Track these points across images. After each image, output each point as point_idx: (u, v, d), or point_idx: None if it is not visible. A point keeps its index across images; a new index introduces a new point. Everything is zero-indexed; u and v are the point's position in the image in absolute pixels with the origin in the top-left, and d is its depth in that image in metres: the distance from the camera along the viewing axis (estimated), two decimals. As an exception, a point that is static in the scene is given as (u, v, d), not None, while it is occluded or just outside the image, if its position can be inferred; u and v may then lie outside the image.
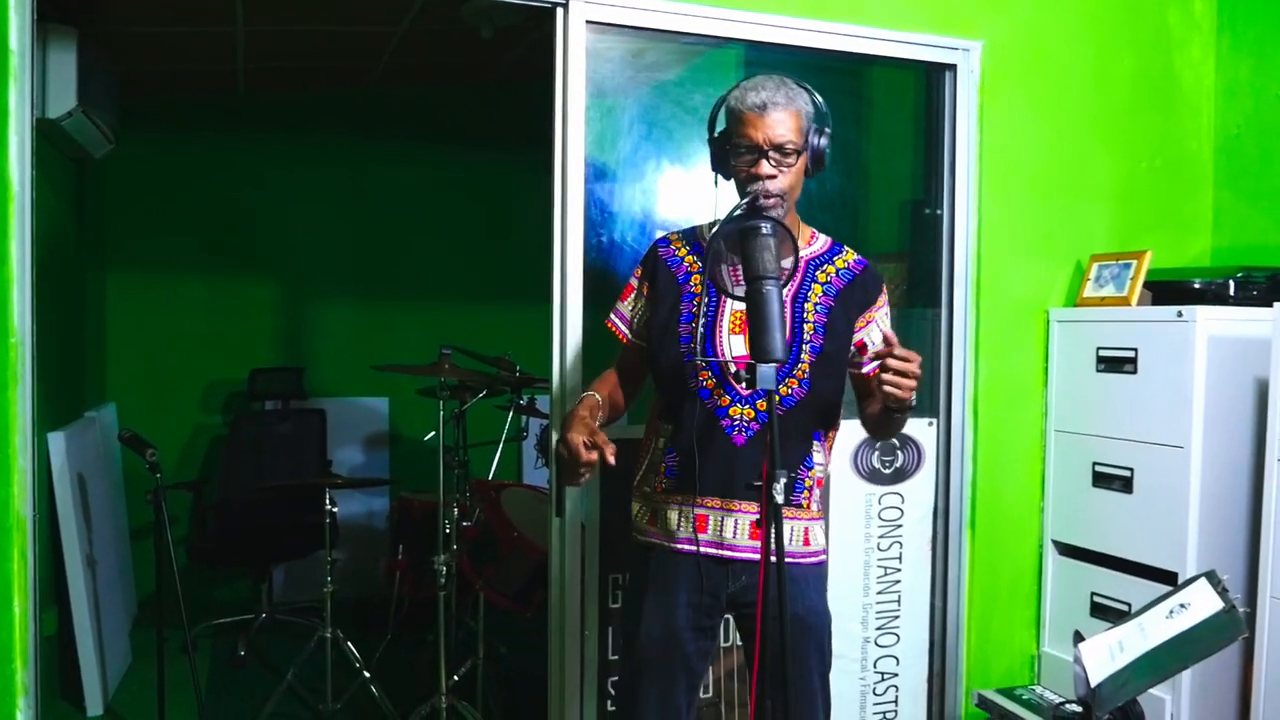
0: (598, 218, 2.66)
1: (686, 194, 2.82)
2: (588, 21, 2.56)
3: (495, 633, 3.77)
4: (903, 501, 2.98)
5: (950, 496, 3.01)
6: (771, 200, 1.89)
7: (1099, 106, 3.13)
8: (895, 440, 2.96)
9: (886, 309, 2.12)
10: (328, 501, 3.67)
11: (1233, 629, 1.92)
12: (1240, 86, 3.21)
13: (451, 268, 5.45)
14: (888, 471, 2.96)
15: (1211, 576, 2.15)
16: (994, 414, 3.04)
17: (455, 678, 3.40)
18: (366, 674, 3.64)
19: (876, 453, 2.95)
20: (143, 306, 5.02)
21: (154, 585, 3.38)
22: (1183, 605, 2.12)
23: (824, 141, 1.95)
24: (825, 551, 2.13)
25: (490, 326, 5.04)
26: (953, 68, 2.97)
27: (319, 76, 5.09)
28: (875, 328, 2.07)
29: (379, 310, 5.38)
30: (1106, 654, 2.15)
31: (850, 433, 2.90)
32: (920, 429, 3.00)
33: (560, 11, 2.55)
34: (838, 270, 2.06)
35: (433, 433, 3.41)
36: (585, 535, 2.60)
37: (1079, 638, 2.31)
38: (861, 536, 2.93)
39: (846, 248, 2.11)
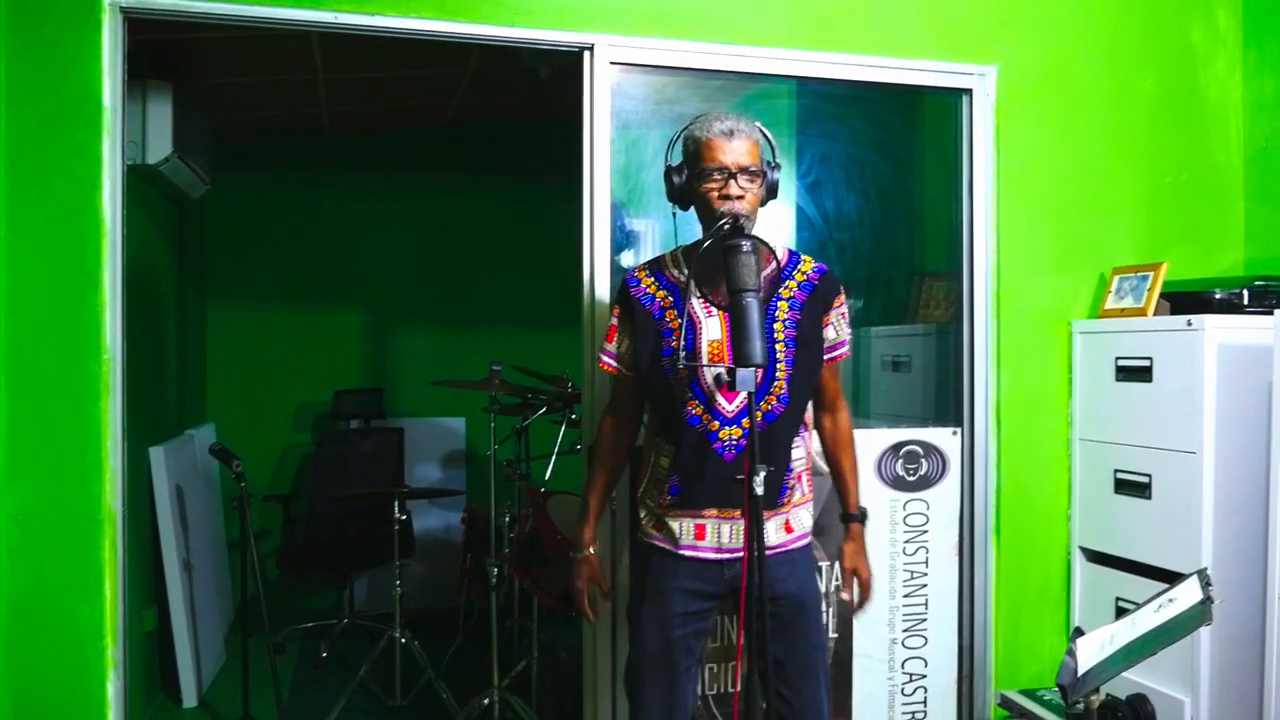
0: (624, 242, 2.88)
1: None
2: (612, 62, 2.79)
3: (556, 637, 4.00)
4: (928, 508, 3.10)
5: (975, 503, 3.12)
6: (740, 220, 2.07)
7: (1119, 124, 3.22)
8: (919, 449, 3.09)
9: (843, 308, 2.30)
10: (396, 510, 3.96)
11: (1201, 618, 2.01)
12: (1267, 100, 3.26)
13: (521, 294, 5.74)
14: (912, 479, 3.09)
15: (1202, 575, 2.23)
16: (1017, 423, 3.14)
17: (512, 674, 3.63)
18: (432, 672, 3.90)
19: (900, 460, 3.08)
20: (239, 334, 5.44)
21: (249, 592, 3.72)
22: (1171, 600, 2.21)
23: (776, 175, 2.16)
24: (809, 531, 2.33)
25: (554, 348, 5.26)
26: (969, 92, 3.11)
27: (397, 118, 5.46)
28: (832, 328, 2.27)
29: (453, 334, 5.70)
30: (1098, 646, 2.25)
31: (874, 440, 3.05)
32: (944, 438, 3.12)
33: (587, 54, 2.79)
34: (799, 284, 2.23)
35: (491, 448, 3.67)
36: (617, 533, 2.80)
37: (1079, 633, 2.41)
38: (886, 541, 3.05)
39: (804, 256, 2.29)
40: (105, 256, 2.45)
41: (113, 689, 2.46)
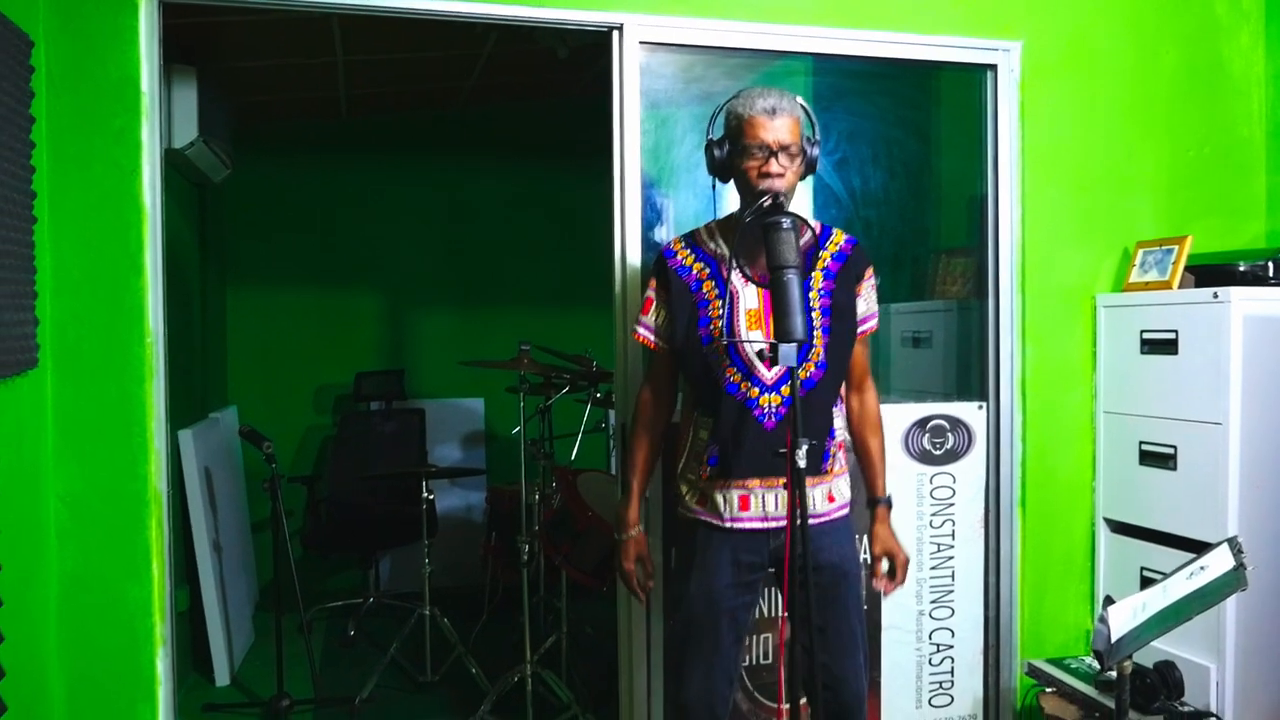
0: (654, 220, 2.91)
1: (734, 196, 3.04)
2: (641, 42, 2.81)
3: (581, 614, 4.05)
4: (954, 481, 3.13)
5: (1001, 476, 3.15)
6: (780, 198, 2.11)
7: (1143, 98, 3.24)
8: (945, 423, 3.13)
9: (872, 281, 2.35)
10: (424, 490, 4.01)
11: (1236, 584, 2.06)
12: (1290, 73, 3.28)
13: (539, 274, 5.78)
14: (938, 453, 3.12)
15: (1233, 542, 2.27)
16: (1043, 397, 3.17)
17: (542, 650, 3.69)
18: (462, 648, 3.95)
19: (927, 435, 3.11)
20: (259, 317, 5.47)
21: (274, 570, 3.76)
22: (1202, 567, 2.25)
23: (815, 151, 2.20)
24: (850, 501, 2.37)
25: (575, 328, 5.32)
26: (993, 67, 3.12)
27: (413, 100, 5.47)
28: (862, 299, 2.32)
29: (473, 316, 5.73)
30: (1130, 613, 2.29)
31: (901, 415, 3.08)
32: (970, 412, 3.15)
33: (616, 34, 2.81)
34: (831, 255, 2.29)
35: (518, 427, 3.70)
36: (648, 509, 2.84)
37: (1109, 601, 2.45)
38: (914, 514, 3.09)
39: (835, 229, 2.33)
40: (146, 240, 2.48)
41: (162, 665, 2.51)
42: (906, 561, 2.41)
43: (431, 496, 4.05)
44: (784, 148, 2.12)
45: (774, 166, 2.12)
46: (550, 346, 4.30)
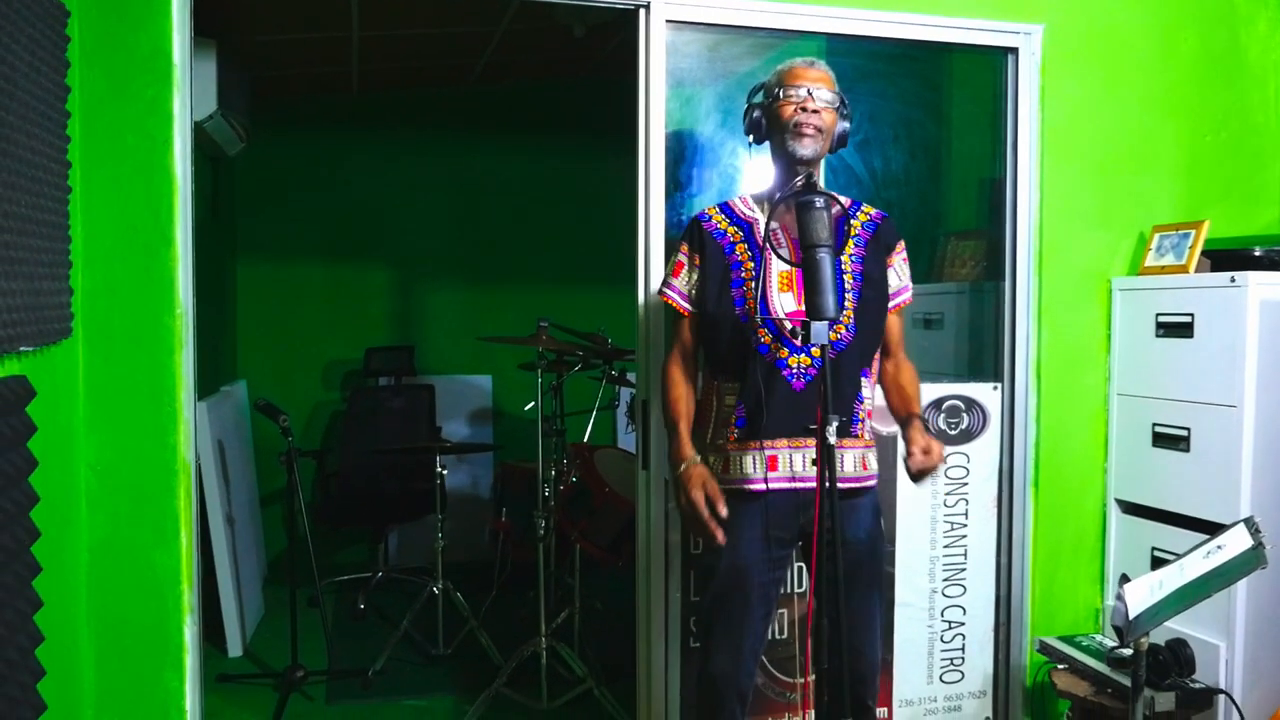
0: (677, 197, 2.93)
1: (757, 173, 3.06)
2: (668, 21, 2.82)
3: (590, 589, 4.09)
4: (968, 461, 3.17)
5: (1015, 457, 3.18)
6: (811, 132, 2.18)
7: (1162, 83, 3.25)
8: (961, 403, 3.16)
9: (904, 255, 2.40)
10: (438, 465, 4.03)
11: (1256, 562, 2.09)
12: (1307, 59, 3.30)
13: (550, 252, 5.79)
14: (954, 432, 3.15)
15: (1249, 522, 2.31)
16: (1057, 378, 3.20)
17: (554, 624, 3.73)
18: (475, 622, 3.99)
19: (943, 415, 3.14)
20: (269, 291, 5.49)
21: (281, 546, 3.78)
22: (1219, 547, 2.29)
23: (846, 125, 2.27)
24: (877, 474, 2.40)
25: (585, 306, 5.33)
26: (1014, 51, 3.13)
27: (425, 76, 5.46)
28: (894, 272, 2.38)
29: (483, 293, 5.75)
30: (1148, 590, 2.34)
31: (917, 396, 3.11)
32: (985, 393, 3.18)
33: (643, 13, 2.82)
34: (861, 224, 2.35)
35: (532, 403, 3.73)
36: (669, 488, 2.87)
37: (1125, 579, 2.49)
38: (928, 493, 3.13)
39: (864, 203, 2.40)
40: (177, 212, 2.49)
41: (189, 634, 2.54)
42: (941, 449, 2.26)
43: (445, 471, 4.08)
44: (821, 89, 2.21)
45: (811, 103, 2.19)
46: (561, 323, 4.32)
